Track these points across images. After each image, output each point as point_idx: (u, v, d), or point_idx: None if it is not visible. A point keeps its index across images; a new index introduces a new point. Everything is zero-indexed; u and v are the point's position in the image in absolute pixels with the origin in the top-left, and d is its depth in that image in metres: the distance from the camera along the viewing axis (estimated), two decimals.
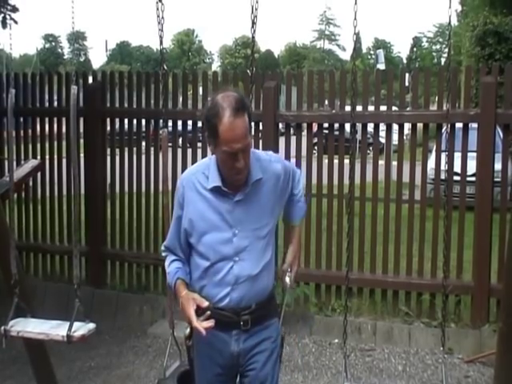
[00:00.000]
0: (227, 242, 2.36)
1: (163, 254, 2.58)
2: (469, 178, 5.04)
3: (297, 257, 2.68)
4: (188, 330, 2.49)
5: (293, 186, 2.60)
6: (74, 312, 3.07)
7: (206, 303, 2.30)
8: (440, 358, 4.50)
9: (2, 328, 3.13)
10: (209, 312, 2.30)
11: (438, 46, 72.98)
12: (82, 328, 3.08)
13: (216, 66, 79.07)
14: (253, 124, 5.12)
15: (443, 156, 4.81)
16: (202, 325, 2.25)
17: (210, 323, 2.26)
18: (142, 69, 57.59)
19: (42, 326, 3.20)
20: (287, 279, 2.58)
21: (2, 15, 4.53)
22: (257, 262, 2.39)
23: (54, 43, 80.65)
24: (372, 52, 73.34)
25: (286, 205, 2.64)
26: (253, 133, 5.14)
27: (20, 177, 4.42)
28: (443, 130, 5.28)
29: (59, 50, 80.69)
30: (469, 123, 4.99)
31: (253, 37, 2.97)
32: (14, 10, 4.56)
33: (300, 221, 2.72)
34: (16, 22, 4.48)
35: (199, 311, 2.30)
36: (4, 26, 4.51)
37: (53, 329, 3.14)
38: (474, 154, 4.96)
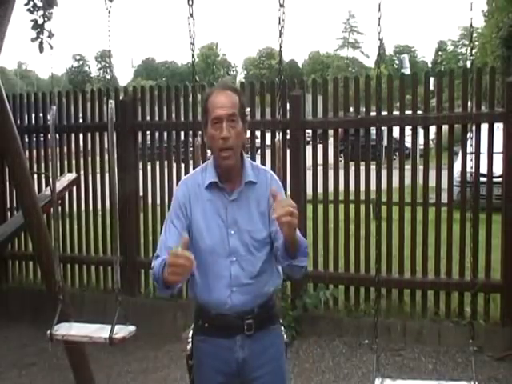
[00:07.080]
0: (223, 242, 2.38)
1: (153, 264, 2.36)
2: (495, 179, 5.07)
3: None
4: (190, 346, 2.51)
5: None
6: (116, 315, 3.16)
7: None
8: (470, 355, 4.53)
9: (48, 332, 3.21)
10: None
11: (463, 49, 72.20)
12: (122, 330, 3.16)
13: (240, 77, 79.57)
14: (280, 133, 5.23)
15: (469, 158, 4.85)
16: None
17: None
18: (169, 83, 58.17)
19: (84, 330, 3.30)
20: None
21: (40, 40, 4.84)
22: (253, 264, 2.39)
23: (81, 62, 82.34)
24: (395, 58, 73.04)
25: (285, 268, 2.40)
26: (281, 139, 5.24)
27: (58, 190, 4.60)
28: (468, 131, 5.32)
29: (87, 69, 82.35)
30: (494, 123, 5.03)
31: (280, 47, 3.07)
32: (51, 35, 4.87)
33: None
34: (52, 47, 4.79)
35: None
36: (41, 50, 4.82)
37: (95, 332, 3.24)
38: (501, 155, 4.99)
